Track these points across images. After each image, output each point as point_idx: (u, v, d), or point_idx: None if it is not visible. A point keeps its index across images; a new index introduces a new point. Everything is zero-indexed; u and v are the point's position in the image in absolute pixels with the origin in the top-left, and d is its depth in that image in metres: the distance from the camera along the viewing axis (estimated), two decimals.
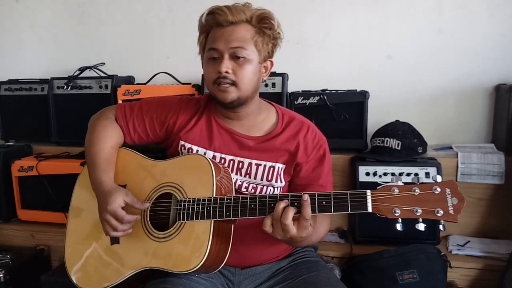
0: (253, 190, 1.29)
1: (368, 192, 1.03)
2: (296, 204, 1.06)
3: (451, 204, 0.98)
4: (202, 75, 1.98)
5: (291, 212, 1.04)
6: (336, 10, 2.13)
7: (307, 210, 1.04)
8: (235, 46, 1.17)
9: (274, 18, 1.22)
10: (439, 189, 0.99)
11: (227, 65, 1.17)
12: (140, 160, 1.31)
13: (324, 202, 1.05)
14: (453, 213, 0.98)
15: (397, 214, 1.00)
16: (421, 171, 1.72)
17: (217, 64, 1.19)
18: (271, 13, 1.21)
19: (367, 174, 1.76)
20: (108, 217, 1.17)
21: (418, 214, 0.99)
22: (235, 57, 1.18)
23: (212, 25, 1.20)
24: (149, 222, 1.22)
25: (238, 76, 1.18)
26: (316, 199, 1.06)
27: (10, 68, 2.48)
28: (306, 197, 1.04)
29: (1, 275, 1.77)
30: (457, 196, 0.99)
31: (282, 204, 1.06)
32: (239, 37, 1.17)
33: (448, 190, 0.99)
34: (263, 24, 1.20)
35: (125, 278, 1.20)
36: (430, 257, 1.60)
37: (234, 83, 1.19)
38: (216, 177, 1.16)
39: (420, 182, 1.02)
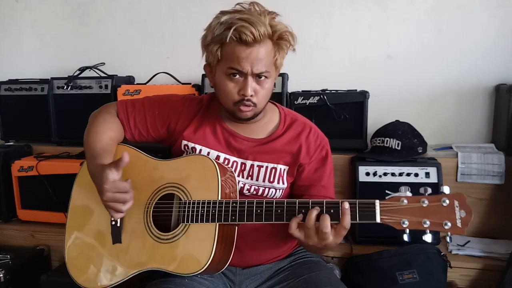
0: (255, 192, 1.29)
1: (377, 202, 1.03)
2: (303, 212, 1.07)
3: (459, 217, 0.98)
4: (203, 75, 1.98)
5: (329, 220, 1.04)
6: (336, 10, 2.13)
7: (347, 219, 1.03)
8: (261, 71, 1.15)
9: (294, 35, 1.19)
10: (447, 201, 0.99)
11: (253, 87, 1.16)
12: (143, 159, 1.31)
13: (332, 211, 1.05)
14: (460, 226, 0.98)
15: (405, 226, 1.00)
16: (421, 171, 1.72)
17: (239, 84, 1.16)
18: (292, 31, 1.19)
19: (367, 174, 1.76)
20: (115, 196, 1.12)
21: (426, 226, 0.99)
22: (257, 76, 1.16)
23: (234, 41, 1.12)
24: (152, 223, 1.21)
25: (259, 97, 1.18)
26: (324, 207, 1.06)
27: (10, 68, 2.48)
28: (347, 205, 1.04)
29: (1, 275, 1.77)
30: (465, 208, 0.98)
31: (314, 213, 1.05)
32: (264, 60, 1.14)
33: (456, 203, 0.99)
34: (284, 41, 1.18)
35: (127, 278, 1.20)
36: (430, 257, 1.60)
37: (255, 105, 1.19)
38: (221, 178, 1.16)
39: (428, 193, 1.01)
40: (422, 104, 2.09)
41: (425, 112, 2.09)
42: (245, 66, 1.13)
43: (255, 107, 1.19)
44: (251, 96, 1.16)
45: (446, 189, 1.01)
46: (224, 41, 1.13)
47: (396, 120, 1.90)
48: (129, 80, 2.27)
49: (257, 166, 1.27)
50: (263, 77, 1.17)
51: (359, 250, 1.75)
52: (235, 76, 1.16)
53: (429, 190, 1.02)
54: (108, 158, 1.24)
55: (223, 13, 1.16)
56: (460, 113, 2.07)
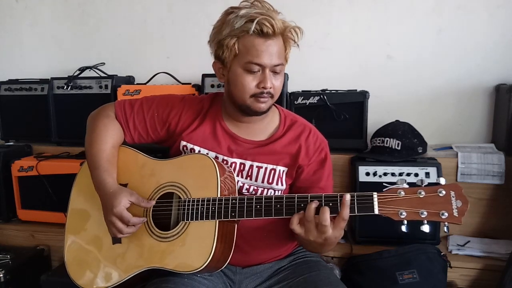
0: (254, 192, 1.29)
1: (375, 194, 1.04)
2: (302, 206, 1.07)
3: (456, 207, 1.00)
4: (203, 75, 1.98)
5: (328, 212, 1.04)
6: (336, 10, 2.13)
7: (346, 210, 1.04)
8: (278, 63, 1.18)
9: (302, 31, 1.22)
10: (444, 192, 1.01)
11: (272, 81, 1.18)
12: (141, 159, 1.31)
13: (331, 204, 1.06)
14: (457, 216, 1.00)
15: (402, 216, 1.02)
16: (421, 171, 1.72)
17: (258, 77, 1.17)
18: (301, 29, 1.22)
19: (367, 174, 1.76)
20: (114, 220, 1.17)
21: (423, 216, 1.01)
22: (273, 69, 1.18)
23: (253, 34, 1.14)
24: (151, 222, 1.21)
25: (276, 89, 1.21)
26: (323, 201, 1.06)
27: (10, 68, 2.48)
28: (348, 196, 1.04)
29: (1, 275, 1.77)
30: (461, 198, 1.01)
31: (313, 205, 1.06)
32: (279, 53, 1.17)
33: (452, 193, 1.01)
34: (292, 36, 1.21)
35: (127, 278, 1.20)
36: (430, 257, 1.60)
37: (272, 96, 1.21)
38: (220, 177, 1.16)
39: (425, 184, 1.03)
40: (422, 104, 2.09)
41: (425, 112, 2.09)
42: (265, 59, 1.15)
43: (271, 99, 1.21)
44: (270, 88, 1.18)
45: (442, 180, 1.03)
46: (244, 34, 1.14)
47: (396, 120, 1.90)
48: (129, 80, 2.27)
49: (256, 167, 1.27)
50: (278, 70, 1.19)
51: (359, 250, 1.75)
52: (254, 70, 1.17)
53: (426, 182, 1.04)
54: (113, 171, 1.26)
55: (236, 8, 1.18)
56: (460, 113, 2.07)
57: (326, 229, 1.04)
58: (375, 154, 1.84)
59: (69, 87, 2.13)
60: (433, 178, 1.71)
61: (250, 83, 1.17)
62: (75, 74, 2.19)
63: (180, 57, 2.29)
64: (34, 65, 2.49)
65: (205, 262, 1.10)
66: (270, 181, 1.28)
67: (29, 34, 2.50)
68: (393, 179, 1.72)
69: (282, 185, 1.29)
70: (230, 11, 1.19)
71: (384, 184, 1.70)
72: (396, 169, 1.74)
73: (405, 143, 1.80)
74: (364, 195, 1.05)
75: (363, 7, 2.10)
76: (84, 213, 1.32)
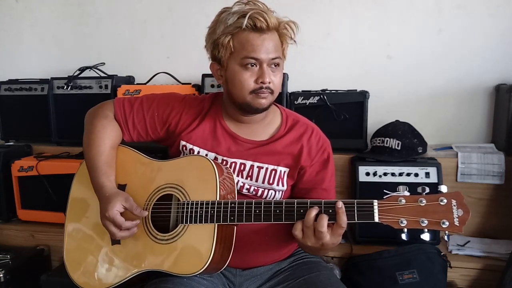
0: (254, 192, 1.28)
1: (375, 202, 1.03)
2: (301, 211, 1.07)
3: (457, 216, 0.99)
4: (203, 75, 1.98)
5: (326, 219, 1.04)
6: (336, 10, 2.13)
7: (343, 218, 1.04)
8: (275, 56, 1.17)
9: (297, 26, 1.21)
10: (445, 200, 1.00)
11: (270, 76, 1.17)
12: (141, 159, 1.30)
13: (330, 211, 1.05)
14: (458, 225, 0.99)
15: (403, 225, 1.01)
16: (421, 171, 1.72)
17: (256, 73, 1.16)
18: (296, 23, 1.21)
19: (367, 174, 1.76)
20: (107, 224, 1.18)
21: (424, 225, 1.00)
22: (271, 64, 1.18)
23: (247, 29, 1.14)
24: (150, 224, 1.21)
25: (275, 85, 1.19)
26: (323, 207, 1.06)
27: (10, 68, 2.48)
28: (340, 204, 1.04)
29: (1, 275, 1.77)
30: (462, 207, 1.00)
31: (313, 212, 1.05)
32: (276, 47, 1.17)
33: (454, 202, 1.00)
34: (287, 32, 1.20)
35: (126, 279, 1.20)
36: (430, 257, 1.60)
37: (272, 92, 1.19)
38: (219, 178, 1.15)
39: (426, 192, 1.02)
40: (422, 104, 2.09)
41: (425, 112, 2.09)
42: (260, 53, 1.15)
43: (271, 95, 1.20)
44: (269, 83, 1.17)
45: (443, 188, 1.02)
46: (238, 30, 1.14)
47: (396, 120, 1.90)
48: (129, 80, 2.27)
49: (257, 167, 1.27)
50: (276, 65, 1.18)
51: (359, 250, 1.75)
52: (251, 66, 1.16)
53: (427, 189, 1.02)
54: (111, 173, 1.25)
55: (229, 7, 1.18)
56: (460, 113, 2.07)
57: (323, 235, 1.04)
58: (375, 154, 1.84)
59: (69, 87, 2.13)
60: (433, 178, 1.71)
61: (248, 79, 1.17)
62: (75, 74, 2.18)
63: (180, 57, 2.29)
64: (34, 65, 2.49)
65: (204, 266, 1.09)
66: (271, 181, 1.27)
67: (29, 34, 2.50)
68: (393, 179, 1.73)
69: (283, 186, 1.28)
70: (223, 11, 1.19)
71: (384, 184, 1.71)
72: (396, 169, 1.74)
73: (405, 143, 1.80)
74: (364, 202, 1.04)
75: (363, 7, 2.10)
76: (84, 213, 1.31)
